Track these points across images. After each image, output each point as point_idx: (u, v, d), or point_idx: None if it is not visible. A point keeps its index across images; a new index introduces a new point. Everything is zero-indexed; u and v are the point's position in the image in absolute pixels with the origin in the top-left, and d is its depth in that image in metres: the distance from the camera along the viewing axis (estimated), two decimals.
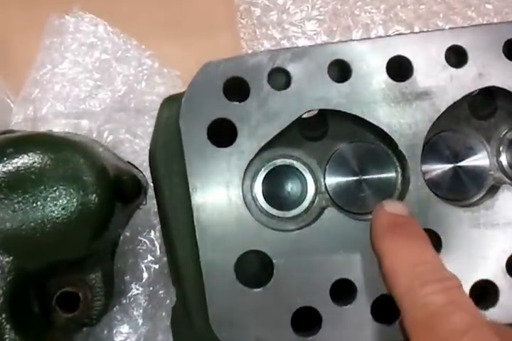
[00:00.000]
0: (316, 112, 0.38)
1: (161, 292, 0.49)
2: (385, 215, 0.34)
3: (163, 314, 0.48)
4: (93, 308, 0.44)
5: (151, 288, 0.49)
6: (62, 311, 0.42)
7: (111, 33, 0.51)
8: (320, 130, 0.40)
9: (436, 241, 0.36)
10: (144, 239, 0.50)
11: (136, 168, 0.50)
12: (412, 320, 0.29)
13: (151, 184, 0.41)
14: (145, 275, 0.49)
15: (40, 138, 0.41)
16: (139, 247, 0.50)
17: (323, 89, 0.36)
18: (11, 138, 0.41)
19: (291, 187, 0.39)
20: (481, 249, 0.35)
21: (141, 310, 0.48)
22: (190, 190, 0.36)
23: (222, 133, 0.37)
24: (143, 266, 0.49)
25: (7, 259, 0.37)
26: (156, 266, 0.49)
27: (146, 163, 0.52)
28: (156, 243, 0.50)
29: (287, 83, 0.37)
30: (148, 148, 0.46)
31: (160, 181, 0.39)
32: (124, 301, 0.49)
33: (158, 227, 0.50)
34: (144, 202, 0.50)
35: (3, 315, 0.37)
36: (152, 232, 0.50)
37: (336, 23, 0.59)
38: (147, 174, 0.42)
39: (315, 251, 0.36)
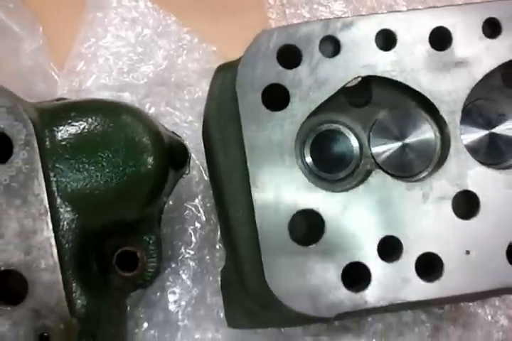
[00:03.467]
0: (360, 79, 0.38)
1: (207, 257, 0.49)
2: None
3: (211, 278, 0.48)
4: (147, 270, 0.44)
5: (200, 252, 0.50)
6: (121, 271, 0.42)
7: (151, 8, 0.52)
8: (364, 97, 0.41)
9: (474, 203, 0.37)
10: (189, 206, 0.50)
11: (180, 138, 0.49)
12: None
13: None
14: (193, 239, 0.49)
15: (100, 103, 0.41)
16: (185, 213, 0.50)
17: (370, 57, 0.38)
18: (72, 102, 0.42)
19: (337, 151, 0.40)
20: None
21: (190, 273, 0.48)
22: (246, 153, 0.37)
23: (275, 99, 0.38)
24: (190, 231, 0.50)
25: (73, 217, 0.37)
26: (203, 232, 0.49)
27: (186, 135, 0.55)
28: (200, 209, 0.50)
29: (336, 51, 0.38)
30: (189, 119, 0.48)
31: (214, 145, 0.39)
32: (174, 265, 0.49)
33: (201, 195, 0.50)
34: (188, 172, 0.48)
35: (69, 272, 0.37)
36: (196, 200, 0.50)
37: (361, 3, 0.59)
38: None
39: (363, 210, 0.37)
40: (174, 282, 0.48)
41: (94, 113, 0.39)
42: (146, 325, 0.46)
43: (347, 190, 0.39)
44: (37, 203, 0.37)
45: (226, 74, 0.40)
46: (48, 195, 0.37)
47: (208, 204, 0.51)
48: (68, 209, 0.38)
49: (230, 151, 0.39)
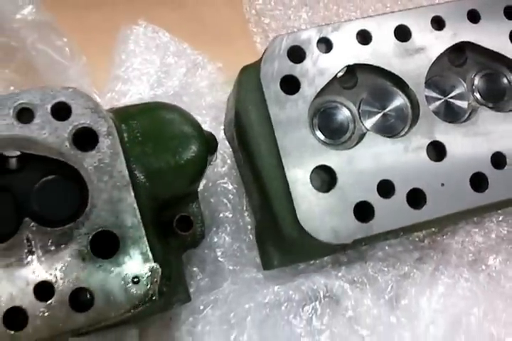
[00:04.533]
0: (346, 68, 0.49)
1: (240, 220, 0.59)
2: None
3: (244, 236, 0.58)
4: (196, 233, 0.54)
5: (233, 217, 0.60)
6: (179, 231, 0.50)
7: (169, 37, 0.63)
8: (352, 81, 0.52)
9: (442, 149, 0.49)
10: (221, 183, 0.60)
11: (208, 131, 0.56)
12: None
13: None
14: (228, 207, 0.59)
15: (158, 103, 0.51)
16: (218, 190, 0.59)
17: (354, 51, 0.49)
18: (138, 104, 0.51)
19: (338, 122, 0.52)
20: (472, 150, 0.49)
21: (229, 233, 0.58)
22: (274, 128, 0.47)
23: (290, 85, 0.49)
24: (225, 201, 0.59)
25: (146, 188, 0.46)
26: (234, 202, 0.59)
27: None
28: (230, 185, 0.60)
29: (329, 48, 0.50)
30: (207, 120, 0.59)
31: (248, 127, 0.49)
32: (215, 228, 0.59)
33: (227, 175, 0.60)
34: (215, 158, 0.59)
35: (148, 229, 0.44)
36: (225, 178, 0.60)
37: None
38: None
39: (362, 162, 0.48)
40: (218, 241, 0.58)
41: (154, 111, 0.49)
42: (199, 276, 0.56)
43: (348, 149, 0.50)
44: (120, 178, 0.45)
45: (250, 72, 0.50)
46: (128, 172, 0.45)
47: (235, 182, 0.61)
48: (143, 181, 0.47)
49: (261, 129, 0.49)
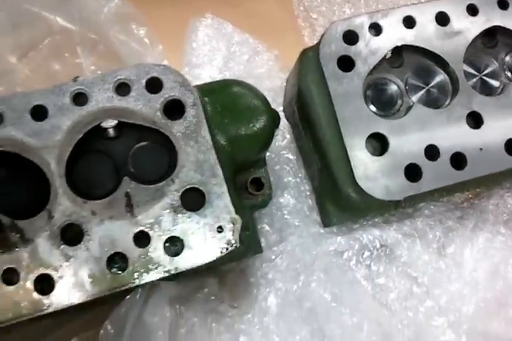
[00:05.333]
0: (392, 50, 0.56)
1: (300, 185, 0.65)
2: None
3: (306, 198, 0.64)
4: (265, 194, 0.59)
5: (295, 181, 0.66)
6: (253, 191, 0.57)
7: (232, 29, 0.69)
8: (399, 61, 0.58)
9: (480, 118, 0.55)
10: (284, 154, 0.66)
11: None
12: None
13: None
14: (289, 172, 0.65)
15: (233, 80, 0.57)
16: (281, 159, 0.66)
17: (401, 34, 0.55)
18: (217, 81, 0.57)
19: (388, 96, 0.58)
20: (506, 119, 0.55)
21: (292, 195, 0.65)
22: (333, 101, 0.52)
23: (346, 64, 0.54)
24: (288, 168, 0.66)
25: (227, 151, 0.53)
26: (294, 169, 0.66)
27: None
28: (290, 156, 0.66)
29: (379, 32, 0.55)
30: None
31: (309, 100, 0.55)
32: (280, 191, 0.65)
33: (288, 147, 0.66)
34: (276, 133, 0.62)
35: (228, 186, 0.50)
36: (286, 149, 0.66)
37: None
38: None
39: (410, 130, 0.53)
40: (283, 202, 0.64)
41: (231, 86, 0.55)
42: (269, 232, 0.62)
43: (398, 119, 0.55)
44: (205, 142, 0.50)
45: (310, 54, 0.56)
46: (211, 137, 0.51)
47: (294, 153, 0.66)
48: (223, 146, 0.53)
49: (321, 102, 0.55)
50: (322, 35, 0.55)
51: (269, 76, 0.66)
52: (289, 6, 0.73)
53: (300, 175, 0.65)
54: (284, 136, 0.66)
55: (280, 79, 0.67)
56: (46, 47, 0.63)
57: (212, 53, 0.66)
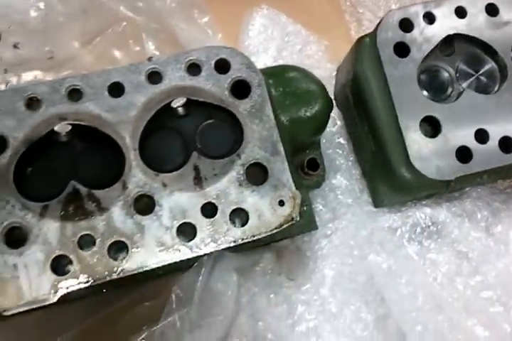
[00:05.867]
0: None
1: (352, 168, 0.67)
2: None
3: (356, 177, 0.67)
4: (320, 174, 0.60)
5: (346, 163, 0.68)
6: (310, 171, 0.58)
7: (285, 19, 0.72)
8: (450, 50, 0.60)
9: None
10: (335, 139, 0.69)
11: None
12: None
13: None
14: (340, 155, 0.68)
15: (292, 66, 0.59)
16: (333, 144, 0.68)
17: (453, 23, 0.57)
18: (278, 65, 0.61)
19: (439, 82, 0.59)
20: None
21: (344, 176, 0.67)
22: (389, 84, 0.54)
23: (401, 51, 0.56)
24: (340, 151, 0.68)
25: (288, 129, 0.55)
26: (344, 152, 0.68)
27: None
28: (342, 140, 0.68)
29: (433, 20, 0.56)
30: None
31: (365, 84, 0.58)
32: (332, 173, 0.67)
33: (339, 132, 0.69)
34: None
35: (289, 163, 0.52)
36: (337, 135, 0.69)
37: None
38: None
39: (461, 113, 0.55)
40: (336, 183, 0.67)
41: (292, 70, 0.58)
42: (323, 211, 0.64)
43: (450, 104, 0.57)
44: (268, 120, 0.51)
45: (367, 40, 0.57)
46: (274, 116, 0.52)
47: (345, 138, 0.69)
48: (285, 125, 0.55)
49: (377, 85, 0.57)
50: (379, 23, 0.56)
51: (319, 66, 0.68)
52: (337, 1, 0.75)
53: (351, 158, 0.67)
54: (334, 122, 0.68)
55: (328, 70, 0.69)
56: (110, 35, 0.65)
57: (267, 42, 0.68)
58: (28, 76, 0.64)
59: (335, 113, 0.64)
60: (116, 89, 0.52)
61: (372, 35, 0.56)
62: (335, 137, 0.67)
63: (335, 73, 0.68)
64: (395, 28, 0.55)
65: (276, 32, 0.67)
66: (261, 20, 0.67)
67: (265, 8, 0.69)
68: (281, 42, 0.67)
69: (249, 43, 0.67)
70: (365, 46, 0.57)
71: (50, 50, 0.64)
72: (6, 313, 0.45)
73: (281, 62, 0.68)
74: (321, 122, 0.57)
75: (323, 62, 0.68)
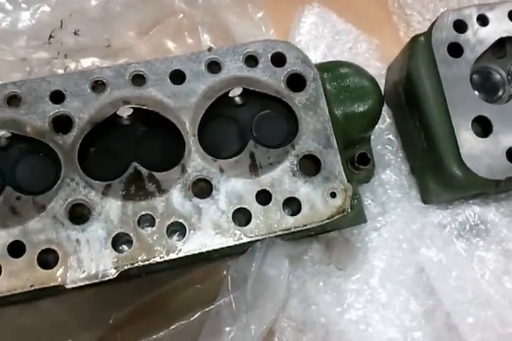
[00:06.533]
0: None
1: (402, 165, 0.68)
2: None
3: (405, 177, 0.68)
4: (369, 169, 0.63)
5: (395, 161, 0.69)
6: (361, 166, 0.60)
7: (336, 17, 0.75)
8: (502, 52, 0.63)
9: None
10: (386, 135, 0.70)
11: None
12: None
13: None
14: (390, 152, 0.69)
15: (345, 62, 0.61)
16: (383, 140, 0.70)
17: (506, 26, 0.59)
18: (330, 61, 0.63)
19: (491, 83, 0.63)
20: None
21: (394, 172, 0.68)
22: (442, 83, 0.56)
23: (454, 51, 0.58)
24: (390, 148, 0.69)
25: (340, 123, 0.57)
26: (394, 148, 0.69)
27: None
28: (392, 137, 0.70)
29: (486, 23, 0.60)
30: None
31: (418, 82, 0.60)
32: (381, 169, 0.68)
33: (388, 129, 0.70)
34: None
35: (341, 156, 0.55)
36: (386, 132, 0.70)
37: None
38: None
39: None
40: (385, 178, 0.68)
41: (346, 66, 0.60)
42: (372, 205, 0.66)
43: (501, 104, 0.60)
44: (323, 114, 0.55)
45: (421, 39, 0.61)
46: (328, 110, 0.56)
47: (394, 135, 0.71)
48: (338, 119, 0.58)
49: (431, 84, 0.59)
50: (434, 23, 0.60)
51: (368, 65, 0.71)
52: (385, 1, 0.78)
53: (400, 154, 0.69)
54: (384, 119, 0.71)
55: (378, 69, 0.72)
56: (167, 27, 0.70)
57: (318, 39, 0.72)
58: (86, 62, 0.69)
59: (384, 110, 0.68)
60: (177, 77, 0.57)
61: (427, 34, 0.60)
62: (384, 133, 0.70)
63: (384, 71, 0.72)
64: (449, 29, 0.59)
65: (326, 30, 0.72)
66: (312, 18, 0.72)
67: (316, 6, 0.73)
68: (331, 40, 0.71)
69: (300, 40, 0.72)
70: (420, 45, 0.61)
71: (108, 39, 0.69)
72: (67, 286, 0.49)
73: (331, 60, 0.69)
74: (373, 117, 0.61)
75: (372, 61, 0.72)
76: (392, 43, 0.70)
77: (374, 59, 0.72)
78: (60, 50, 0.69)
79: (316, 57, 0.71)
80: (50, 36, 0.70)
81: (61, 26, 0.70)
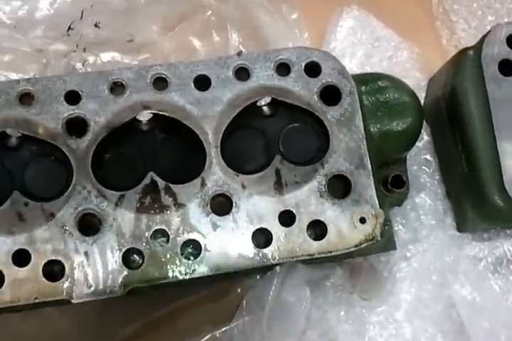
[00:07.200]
0: None
1: (438, 188, 0.64)
2: None
3: (440, 201, 0.64)
4: (402, 193, 0.60)
5: (431, 183, 0.66)
6: (394, 188, 0.57)
7: (376, 22, 0.70)
8: None
9: None
10: (423, 155, 0.66)
11: None
12: None
13: None
14: (426, 175, 0.66)
15: (391, 76, 0.57)
16: (419, 161, 0.66)
17: None
18: (367, 73, 0.61)
19: None
20: None
21: (429, 196, 0.65)
22: (490, 103, 0.54)
23: (507, 68, 0.55)
24: (426, 169, 0.66)
25: (377, 145, 0.54)
26: (430, 170, 0.66)
27: None
28: (428, 157, 0.66)
29: None
30: None
31: (464, 100, 0.57)
32: (415, 191, 0.65)
33: (424, 149, 0.67)
34: None
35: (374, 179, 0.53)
36: (423, 152, 0.67)
37: None
38: None
39: None
40: (419, 202, 0.65)
41: (386, 79, 0.57)
42: (403, 231, 0.63)
43: None
44: (357, 131, 0.53)
45: (470, 53, 0.58)
46: (364, 129, 0.54)
47: (431, 155, 0.67)
48: (374, 138, 0.54)
49: (477, 103, 0.56)
50: (484, 36, 0.59)
51: (407, 75, 0.68)
52: (428, 6, 0.76)
53: (437, 176, 0.67)
54: (421, 137, 0.68)
55: (417, 79, 0.69)
56: (193, 23, 0.68)
57: (355, 46, 0.70)
58: (105, 56, 0.68)
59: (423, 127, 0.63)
60: (202, 82, 0.56)
61: (477, 48, 0.58)
62: (421, 153, 0.68)
63: (424, 83, 0.70)
64: (502, 44, 0.57)
65: (365, 36, 0.70)
66: (350, 22, 0.70)
67: (355, 9, 0.70)
68: (370, 47, 0.70)
69: (336, 46, 0.70)
70: (468, 59, 0.59)
71: (130, 33, 0.68)
72: (73, 301, 0.47)
73: (368, 69, 0.71)
74: (411, 137, 0.59)
75: (412, 71, 0.69)
76: (433, 51, 0.68)
77: (415, 69, 0.69)
78: (78, 43, 0.69)
79: (352, 65, 0.69)
80: (69, 28, 0.70)
81: (81, 17, 0.69)
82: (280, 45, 0.65)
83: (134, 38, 0.68)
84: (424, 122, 0.68)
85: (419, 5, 0.74)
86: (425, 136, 0.69)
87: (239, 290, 0.58)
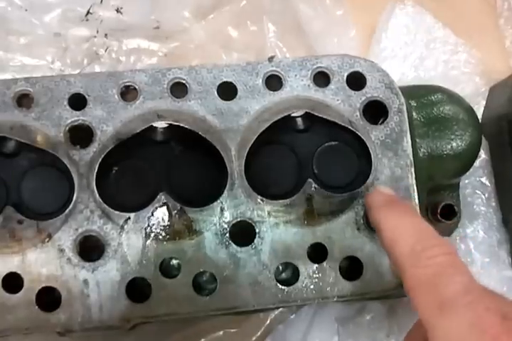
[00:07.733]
0: None
1: (494, 217, 0.58)
2: (380, 195, 0.41)
3: (496, 233, 0.57)
4: (453, 222, 0.54)
5: (487, 212, 0.59)
6: (444, 220, 0.51)
7: (433, 20, 0.62)
8: None
9: None
10: (478, 177, 0.60)
11: None
12: (415, 281, 0.32)
13: None
14: (481, 201, 0.59)
15: (447, 89, 0.51)
16: (473, 182, 0.59)
17: None
18: (420, 85, 0.52)
19: None
20: None
21: (482, 225, 0.58)
22: None
23: None
24: (481, 194, 0.59)
25: (426, 170, 0.48)
26: (485, 195, 0.59)
27: None
28: (484, 181, 0.59)
29: None
30: None
31: None
32: (467, 220, 0.58)
33: (481, 172, 0.60)
34: None
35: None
36: (478, 173, 0.59)
37: None
38: None
39: None
40: (470, 233, 0.58)
41: (437, 93, 0.50)
42: None
43: None
44: (405, 156, 0.48)
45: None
46: (412, 151, 0.48)
47: (488, 177, 0.60)
48: (423, 162, 0.49)
49: None
50: None
51: (464, 80, 0.61)
52: (492, 2, 0.67)
53: (493, 203, 0.60)
54: (479, 155, 0.57)
55: (475, 85, 0.61)
56: (228, 12, 0.62)
57: (408, 47, 0.62)
58: (130, 43, 0.63)
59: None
60: (227, 90, 0.50)
61: None
62: (476, 174, 0.61)
63: (484, 89, 0.62)
64: None
65: (420, 35, 0.62)
66: (404, 20, 0.63)
67: (410, 5, 0.63)
68: (425, 48, 0.61)
69: (386, 46, 0.63)
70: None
71: (156, 19, 0.63)
72: (69, 334, 0.42)
73: (421, 74, 0.63)
74: (467, 160, 0.53)
75: (471, 75, 0.61)
76: (494, 53, 0.61)
77: (474, 73, 0.61)
78: (99, 28, 0.63)
79: (404, 69, 0.62)
80: (88, 12, 0.64)
81: (101, 1, 0.63)
82: (323, 42, 0.59)
83: (160, 25, 0.62)
84: (483, 138, 0.62)
85: (483, 0, 0.66)
86: (483, 154, 0.62)
87: (261, 315, 0.52)
